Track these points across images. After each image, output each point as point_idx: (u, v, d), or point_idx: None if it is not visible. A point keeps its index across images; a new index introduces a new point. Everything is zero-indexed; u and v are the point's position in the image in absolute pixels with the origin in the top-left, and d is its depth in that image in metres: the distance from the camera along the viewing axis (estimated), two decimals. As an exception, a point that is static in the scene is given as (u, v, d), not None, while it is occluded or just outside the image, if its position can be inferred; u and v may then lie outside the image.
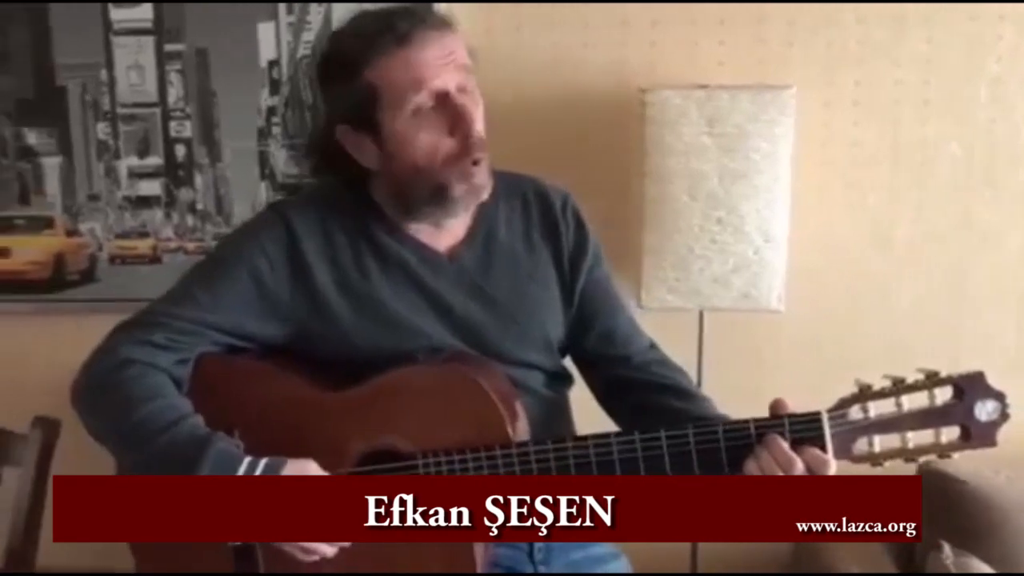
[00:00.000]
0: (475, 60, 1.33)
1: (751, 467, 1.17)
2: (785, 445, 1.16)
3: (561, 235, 1.42)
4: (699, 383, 2.08)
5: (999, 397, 1.13)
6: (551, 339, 1.41)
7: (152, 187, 2.26)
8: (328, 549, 1.20)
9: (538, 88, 2.16)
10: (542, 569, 1.41)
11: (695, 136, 1.85)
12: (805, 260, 2.13)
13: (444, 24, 1.30)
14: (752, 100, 1.86)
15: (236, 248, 1.35)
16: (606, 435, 1.22)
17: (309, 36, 2.15)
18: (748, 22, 2.12)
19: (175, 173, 2.25)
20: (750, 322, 2.14)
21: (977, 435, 1.13)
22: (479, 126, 1.29)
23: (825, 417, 1.16)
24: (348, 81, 1.28)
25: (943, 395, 1.14)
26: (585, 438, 1.22)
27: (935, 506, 1.92)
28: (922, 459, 1.15)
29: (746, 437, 1.18)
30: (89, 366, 1.28)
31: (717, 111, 1.85)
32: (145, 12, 2.17)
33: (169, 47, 2.19)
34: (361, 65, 1.26)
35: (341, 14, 2.09)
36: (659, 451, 1.19)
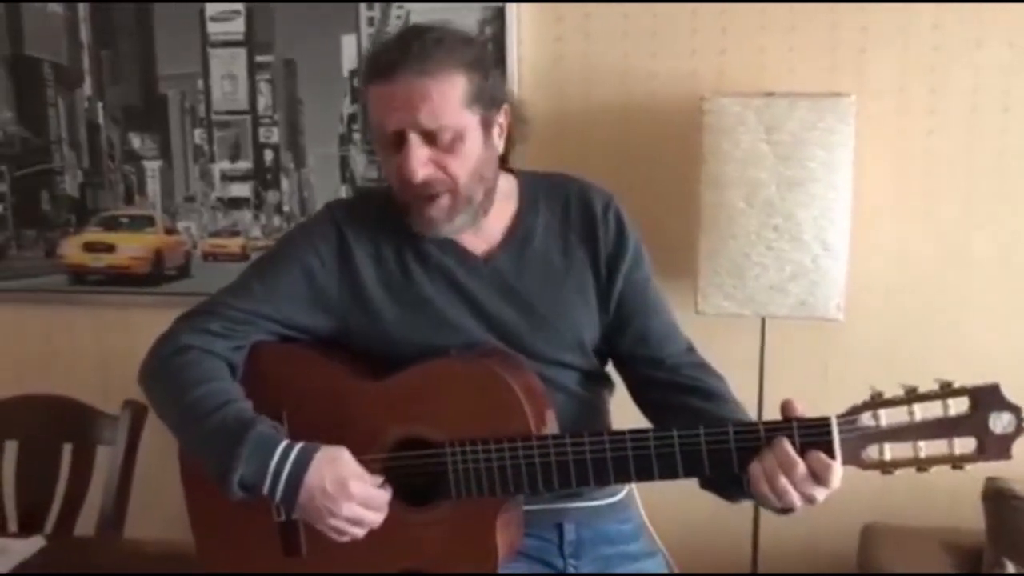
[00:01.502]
0: (497, 81, 1.38)
1: (755, 469, 1.19)
2: (790, 448, 1.17)
3: (599, 238, 1.45)
4: (760, 390, 2.08)
5: (1015, 410, 1.11)
6: (584, 340, 1.45)
7: (242, 189, 2.41)
8: (359, 531, 1.28)
9: (607, 96, 2.21)
10: (571, 562, 1.45)
11: (752, 143, 1.86)
12: (873, 270, 2.11)
13: (433, 66, 1.29)
14: (810, 108, 1.85)
15: (291, 245, 1.45)
16: (621, 432, 1.26)
17: (387, 47, 2.25)
18: (820, 28, 2.10)
19: (263, 176, 2.39)
20: (814, 332, 2.13)
21: (991, 447, 1.11)
22: (422, 173, 1.31)
23: (835, 422, 1.17)
24: (362, 94, 1.38)
25: (958, 406, 1.13)
26: (602, 434, 1.26)
27: (999, 524, 1.87)
28: (933, 469, 1.14)
29: (756, 439, 1.20)
30: (153, 350, 1.41)
31: (775, 119, 1.85)
32: (238, 26, 2.32)
33: (259, 58, 2.34)
34: (363, 84, 1.36)
35: (418, 26, 2.21)
36: (671, 449, 1.22)
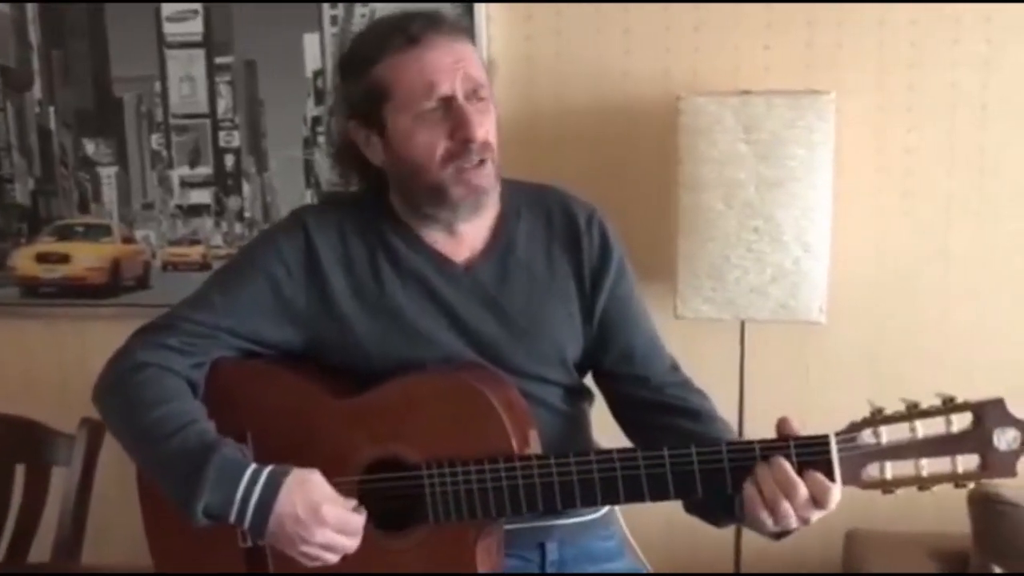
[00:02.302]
0: (492, 71, 1.35)
1: (751, 491, 1.14)
2: (790, 468, 1.12)
3: (583, 250, 1.39)
4: (741, 396, 2.03)
5: (1020, 425, 1.07)
6: (566, 355, 1.39)
7: (202, 196, 2.32)
8: (333, 557, 1.21)
9: (579, 95, 2.15)
10: (554, 584, 1.39)
11: (730, 143, 1.81)
12: (854, 271, 2.07)
13: (457, 30, 1.31)
14: (789, 106, 1.80)
15: (255, 254, 1.37)
16: (609, 452, 1.20)
17: (352, 46, 2.17)
18: (795, 25, 2.06)
19: (224, 182, 2.30)
20: (795, 335, 2.08)
21: (995, 464, 1.07)
22: (481, 132, 1.28)
23: (833, 440, 1.11)
24: (360, 77, 1.31)
25: (961, 422, 1.08)
26: (588, 454, 1.20)
27: (987, 530, 1.84)
28: (935, 488, 1.09)
29: (751, 459, 1.14)
30: (108, 368, 1.32)
31: (753, 118, 1.80)
32: (196, 26, 2.23)
33: (219, 59, 2.24)
34: (372, 62, 1.29)
35: (384, 24, 2.13)
36: (662, 470, 1.16)
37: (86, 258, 2.36)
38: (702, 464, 1.15)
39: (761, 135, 1.80)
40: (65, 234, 2.36)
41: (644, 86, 2.12)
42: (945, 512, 1.93)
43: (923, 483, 1.09)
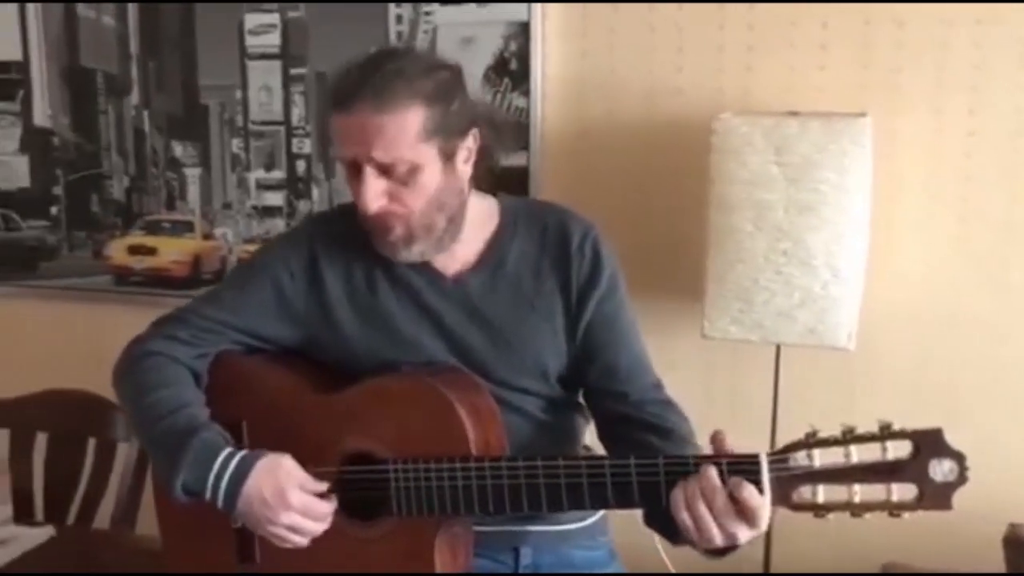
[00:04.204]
0: (443, 133, 1.30)
1: (676, 495, 1.14)
2: (714, 474, 1.12)
3: (572, 266, 1.41)
4: (774, 420, 2.00)
5: (957, 457, 1.03)
6: (547, 369, 1.42)
7: (276, 198, 2.47)
8: (300, 539, 1.29)
9: (630, 113, 2.17)
10: (528, 589, 1.43)
11: (762, 165, 1.79)
12: (900, 298, 2.01)
13: (390, 99, 1.25)
14: (822, 129, 1.77)
15: (265, 257, 1.48)
16: (555, 458, 1.23)
17: (413, 61, 2.27)
18: (851, 47, 2.02)
19: (296, 186, 2.45)
20: (835, 361, 2.03)
21: (930, 496, 1.04)
22: (374, 205, 1.30)
23: (764, 459, 1.11)
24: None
25: (898, 450, 1.06)
26: (535, 459, 1.23)
27: (1021, 572, 1.75)
28: (867, 515, 1.07)
29: (686, 472, 1.15)
30: (123, 354, 1.46)
31: (785, 139, 1.78)
32: (274, 39, 2.38)
33: (294, 71, 2.39)
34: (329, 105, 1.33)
35: (445, 45, 2.22)
36: (602, 479, 1.18)
37: (171, 252, 2.56)
38: (640, 476, 1.17)
39: (792, 157, 1.77)
40: (153, 229, 2.57)
41: (695, 105, 2.11)
42: (982, 549, 1.85)
43: (855, 509, 1.07)
